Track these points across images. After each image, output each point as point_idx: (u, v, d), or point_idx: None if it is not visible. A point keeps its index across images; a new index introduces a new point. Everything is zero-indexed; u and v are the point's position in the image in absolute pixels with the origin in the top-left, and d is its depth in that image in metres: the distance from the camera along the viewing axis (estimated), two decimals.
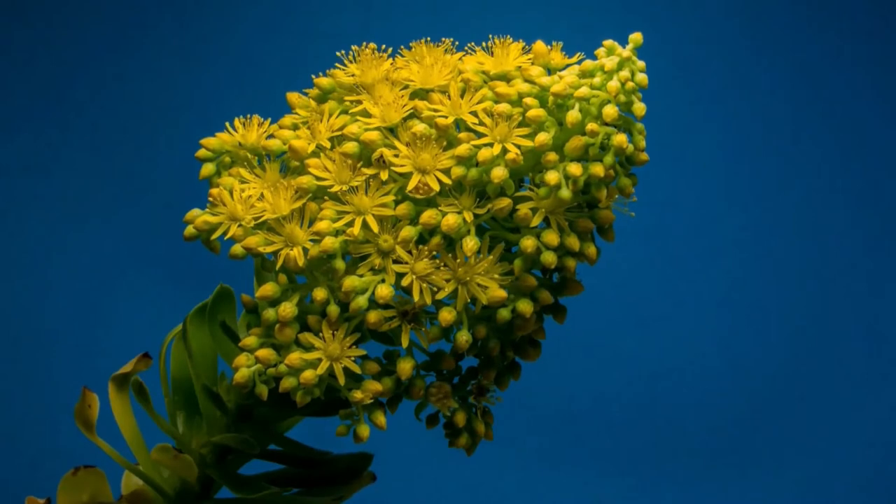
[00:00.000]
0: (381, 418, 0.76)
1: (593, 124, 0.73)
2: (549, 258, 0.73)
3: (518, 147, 0.73)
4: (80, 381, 1.52)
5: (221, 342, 0.82)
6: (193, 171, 0.80)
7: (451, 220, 0.73)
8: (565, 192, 0.73)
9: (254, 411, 0.82)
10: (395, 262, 0.73)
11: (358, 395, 0.75)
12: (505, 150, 0.73)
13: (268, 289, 0.75)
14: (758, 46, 1.62)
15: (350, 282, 0.73)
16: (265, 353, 0.74)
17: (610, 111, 0.73)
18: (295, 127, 0.79)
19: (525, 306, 0.74)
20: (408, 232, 0.73)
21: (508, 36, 0.79)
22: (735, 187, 1.61)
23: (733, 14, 1.61)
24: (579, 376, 1.54)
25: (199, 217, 0.77)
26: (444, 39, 0.80)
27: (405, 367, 0.75)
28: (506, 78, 0.77)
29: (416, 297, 0.73)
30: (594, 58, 0.76)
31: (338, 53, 0.81)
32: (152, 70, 1.58)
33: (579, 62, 0.77)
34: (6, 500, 1.47)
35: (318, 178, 0.75)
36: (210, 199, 0.77)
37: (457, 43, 0.80)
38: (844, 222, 1.61)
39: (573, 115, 0.73)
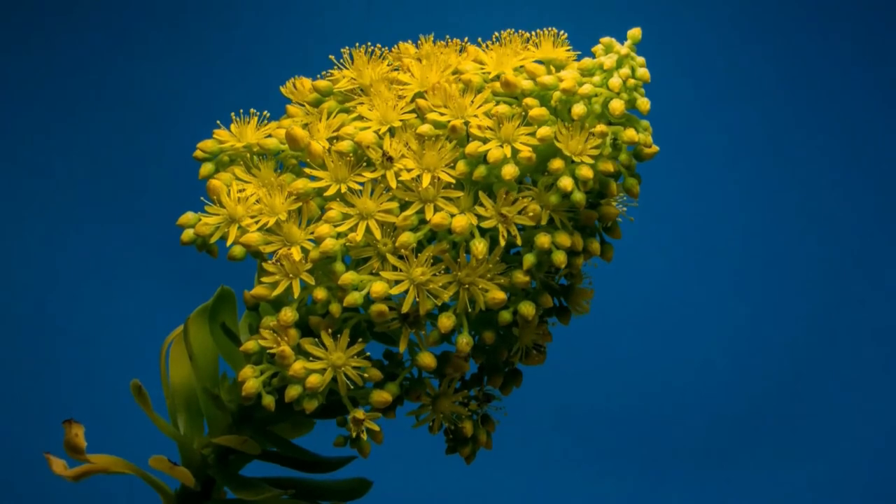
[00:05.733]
0: (378, 436, 0.75)
1: (602, 126, 0.73)
2: (560, 258, 0.73)
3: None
4: (80, 382, 1.52)
5: (222, 343, 0.82)
6: (194, 170, 0.80)
7: (461, 222, 0.72)
8: (578, 196, 0.72)
9: (255, 412, 0.82)
10: (393, 268, 0.73)
11: (360, 414, 0.74)
12: (515, 151, 0.72)
13: (262, 288, 0.74)
14: (760, 43, 1.62)
15: (348, 277, 0.72)
16: (285, 348, 0.73)
17: (617, 105, 0.73)
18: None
19: (527, 308, 0.74)
20: (406, 237, 0.73)
21: (511, 29, 0.79)
22: (739, 186, 1.61)
23: (734, 9, 1.61)
24: (580, 376, 1.54)
25: (199, 223, 0.76)
26: (449, 39, 0.80)
27: (426, 360, 0.75)
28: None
29: (406, 307, 0.72)
30: (592, 55, 0.76)
31: (330, 57, 0.81)
32: (153, 70, 1.58)
33: (578, 58, 0.77)
34: (7, 500, 1.46)
35: (313, 179, 0.75)
36: (208, 192, 0.77)
37: (456, 40, 0.80)
38: (849, 220, 1.61)
39: (579, 108, 0.73)
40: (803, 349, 1.58)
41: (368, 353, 0.75)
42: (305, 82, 0.81)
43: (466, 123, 0.74)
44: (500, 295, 0.73)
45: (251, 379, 0.74)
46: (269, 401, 0.75)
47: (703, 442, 1.56)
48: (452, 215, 0.72)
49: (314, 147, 0.75)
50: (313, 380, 0.73)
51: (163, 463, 0.80)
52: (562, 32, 0.78)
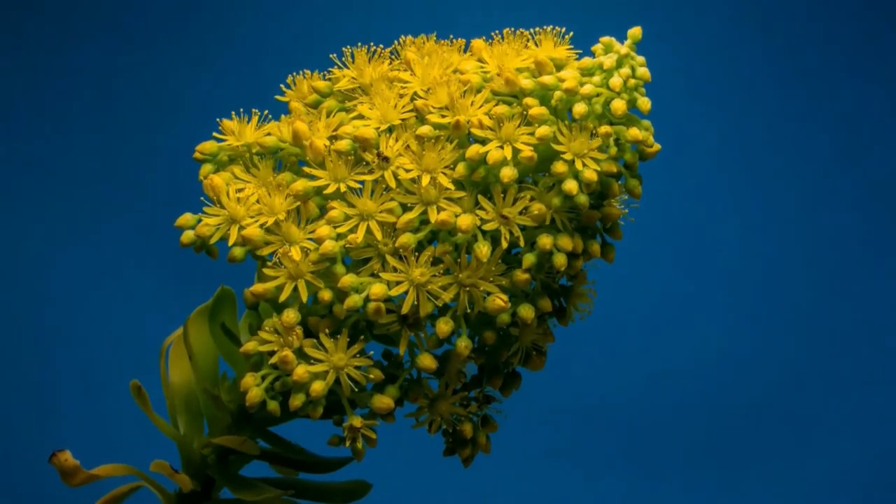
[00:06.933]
0: (373, 441, 0.75)
1: (606, 126, 0.72)
2: (560, 260, 0.73)
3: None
4: (80, 383, 1.52)
5: (222, 344, 0.82)
6: (194, 171, 0.80)
7: (467, 220, 0.72)
8: (582, 199, 0.72)
9: (255, 413, 0.81)
10: (393, 269, 0.72)
11: (357, 422, 0.74)
12: (515, 151, 0.72)
13: (261, 287, 0.74)
14: (761, 43, 1.62)
15: (347, 280, 0.72)
16: (288, 353, 0.73)
17: (618, 105, 0.72)
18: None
19: (526, 312, 0.74)
20: (406, 238, 0.72)
21: (510, 28, 0.79)
22: (738, 185, 1.61)
23: (734, 8, 1.61)
24: (579, 376, 1.54)
25: (200, 224, 0.76)
26: (452, 39, 0.80)
27: (426, 362, 0.74)
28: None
29: (405, 308, 0.72)
30: (592, 55, 0.76)
31: (331, 56, 0.81)
32: (153, 70, 1.58)
33: (579, 58, 0.77)
34: (6, 500, 1.46)
35: (312, 178, 0.74)
36: (207, 190, 0.76)
37: (461, 40, 0.80)
38: (850, 219, 1.61)
39: (581, 108, 0.73)
40: (803, 349, 1.58)
41: (371, 353, 0.75)
42: (314, 77, 0.81)
43: (467, 122, 0.74)
44: (501, 302, 0.73)
45: (253, 388, 0.74)
46: (273, 406, 0.74)
47: (703, 442, 1.56)
48: (457, 215, 0.72)
49: (315, 143, 0.75)
50: (317, 387, 0.72)
51: (164, 468, 0.79)
52: (564, 30, 0.78)
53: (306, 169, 0.76)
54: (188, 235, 0.76)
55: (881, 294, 1.60)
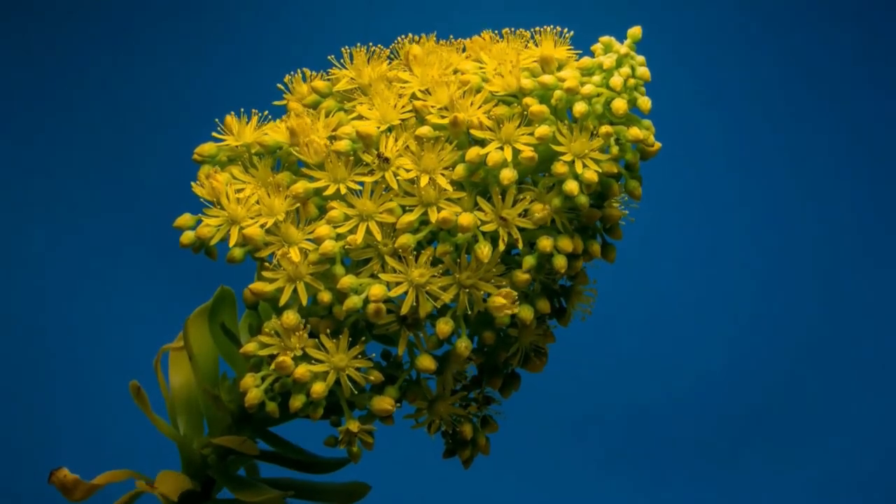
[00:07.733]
0: (370, 444, 0.75)
1: (607, 126, 0.72)
2: (560, 262, 0.73)
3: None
4: (79, 385, 1.52)
5: (222, 344, 0.82)
6: (194, 171, 0.80)
7: (467, 220, 0.72)
8: (583, 199, 0.72)
9: (255, 413, 0.81)
10: (392, 269, 0.72)
11: (354, 427, 0.74)
12: (515, 151, 0.72)
13: (260, 286, 0.74)
14: (762, 42, 1.62)
15: (346, 281, 0.72)
16: (286, 358, 0.73)
17: (619, 105, 0.72)
18: None
19: (526, 312, 0.74)
20: (405, 239, 0.72)
21: (509, 28, 0.78)
22: (740, 186, 1.61)
23: (736, 7, 1.61)
24: (580, 376, 1.54)
25: (201, 225, 0.76)
26: (452, 39, 0.79)
27: (426, 363, 0.74)
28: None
29: (405, 309, 0.72)
30: (592, 54, 0.76)
31: (330, 57, 0.81)
32: (152, 70, 1.58)
33: (579, 58, 0.77)
34: (6, 502, 1.46)
35: (311, 180, 0.74)
36: (199, 185, 0.76)
37: (461, 40, 0.80)
38: (853, 219, 1.61)
39: (581, 107, 0.72)
40: (805, 350, 1.58)
41: (373, 354, 0.75)
42: (313, 77, 0.81)
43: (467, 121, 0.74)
44: (501, 300, 0.72)
45: (253, 389, 0.74)
46: (272, 407, 0.74)
47: (706, 442, 1.56)
48: (457, 214, 0.72)
49: (316, 141, 0.74)
50: (317, 388, 0.72)
51: (143, 486, 0.79)
52: (565, 30, 0.78)
53: (305, 170, 0.76)
54: (188, 236, 0.76)
55: (884, 294, 1.60)
